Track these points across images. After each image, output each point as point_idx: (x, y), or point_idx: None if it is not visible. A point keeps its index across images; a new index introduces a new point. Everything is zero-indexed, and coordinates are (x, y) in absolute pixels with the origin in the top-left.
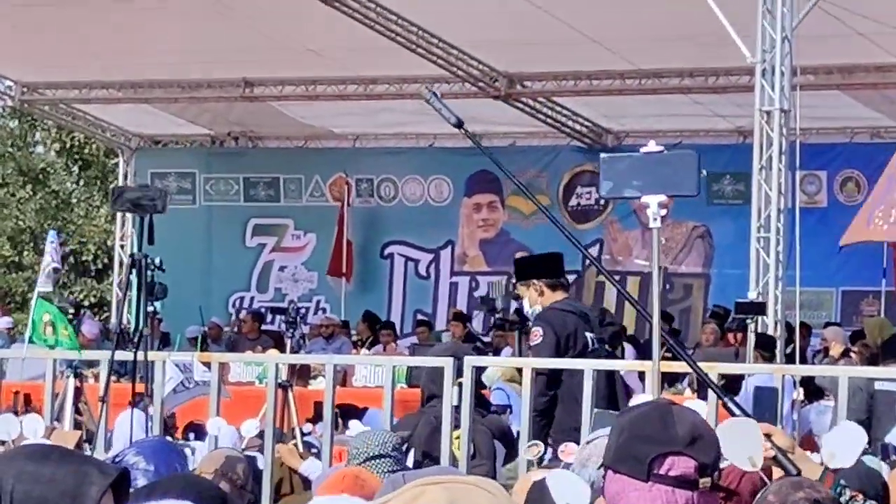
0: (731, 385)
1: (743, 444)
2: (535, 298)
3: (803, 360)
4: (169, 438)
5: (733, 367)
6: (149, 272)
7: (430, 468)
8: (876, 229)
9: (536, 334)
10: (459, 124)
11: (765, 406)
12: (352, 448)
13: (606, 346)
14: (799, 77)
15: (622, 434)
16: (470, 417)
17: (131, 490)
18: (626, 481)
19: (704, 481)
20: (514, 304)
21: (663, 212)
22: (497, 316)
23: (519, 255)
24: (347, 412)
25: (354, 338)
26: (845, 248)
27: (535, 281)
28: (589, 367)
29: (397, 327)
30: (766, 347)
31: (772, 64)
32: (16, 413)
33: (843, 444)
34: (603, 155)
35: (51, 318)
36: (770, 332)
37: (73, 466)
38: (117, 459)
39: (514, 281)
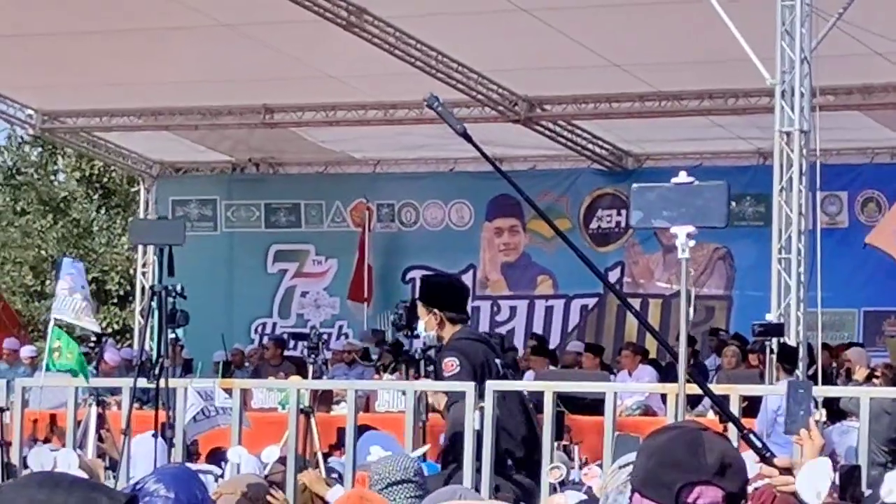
0: (754, 405)
1: (815, 483)
2: (432, 325)
3: (827, 381)
4: (190, 465)
5: (753, 388)
6: (170, 299)
7: (444, 489)
8: None
9: (451, 365)
10: (464, 132)
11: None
12: (373, 474)
13: (510, 371)
14: (818, 98)
15: (651, 459)
16: (492, 445)
17: None
18: None
19: None
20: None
21: (692, 243)
22: (385, 347)
23: (425, 274)
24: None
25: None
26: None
27: (436, 310)
28: (610, 390)
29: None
30: (787, 360)
31: (791, 85)
32: (34, 441)
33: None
34: (634, 186)
35: (60, 345)
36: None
37: (83, 493)
38: (138, 487)
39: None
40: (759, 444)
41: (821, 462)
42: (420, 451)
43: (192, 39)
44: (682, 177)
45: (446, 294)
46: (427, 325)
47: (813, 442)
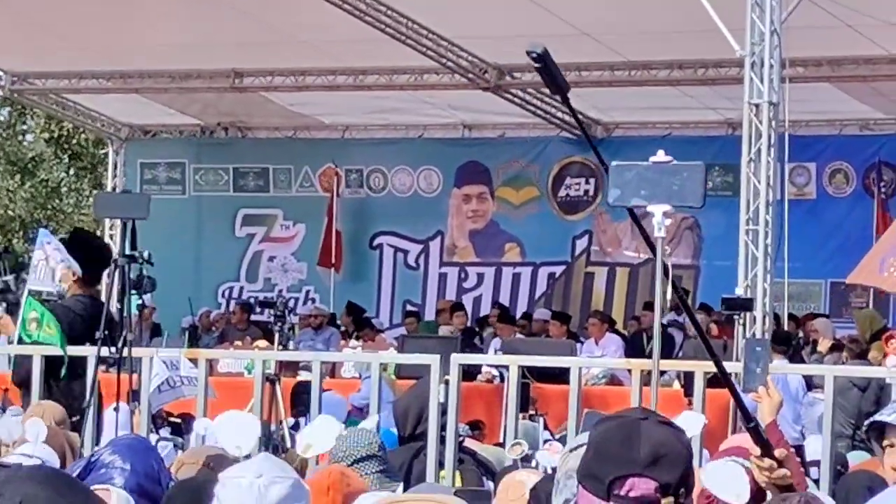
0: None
1: (728, 484)
2: (68, 279)
3: (794, 352)
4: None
5: (726, 365)
6: (136, 265)
7: (420, 486)
8: (891, 278)
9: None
10: (565, 95)
11: None
12: (336, 450)
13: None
14: (788, 69)
15: (590, 451)
16: (456, 418)
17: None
18: (591, 498)
19: (667, 501)
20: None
21: (668, 221)
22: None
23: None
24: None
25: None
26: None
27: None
28: (575, 364)
29: (386, 317)
30: (781, 342)
31: (761, 56)
32: (2, 409)
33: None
34: (613, 164)
35: (37, 315)
36: (758, 323)
37: (83, 496)
38: (93, 459)
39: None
40: (764, 438)
41: (728, 465)
42: (372, 422)
43: (163, 3)
44: (660, 156)
45: (92, 253)
46: (64, 277)
47: (771, 398)
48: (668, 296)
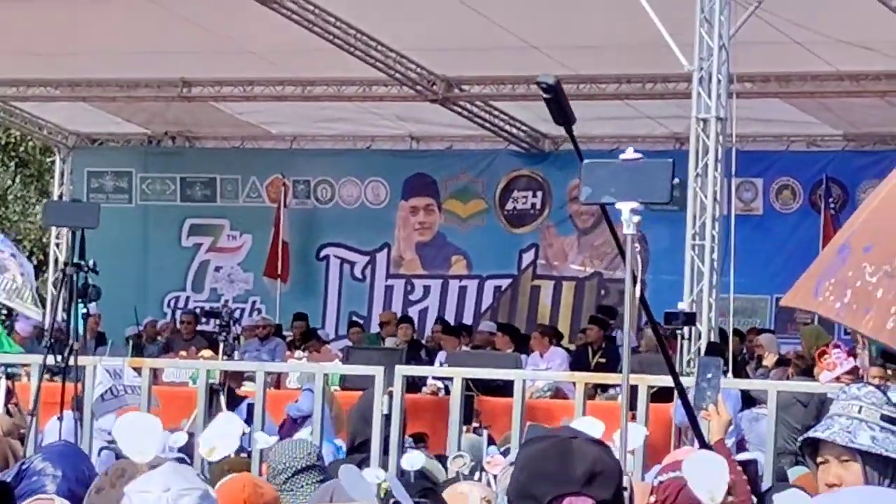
0: (664, 391)
1: (707, 479)
2: None
3: (738, 367)
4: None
5: (664, 379)
6: (82, 274)
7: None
8: (826, 303)
9: None
10: (569, 127)
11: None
12: (275, 462)
13: None
14: (736, 85)
15: (523, 471)
16: (400, 430)
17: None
18: None
19: None
20: None
21: (636, 218)
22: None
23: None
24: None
25: (289, 339)
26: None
27: None
28: (520, 377)
29: (332, 328)
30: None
31: (709, 71)
32: None
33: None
34: (585, 162)
35: None
36: (703, 338)
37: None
38: (24, 466)
39: None
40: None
41: (714, 459)
42: (307, 432)
43: (112, 11)
44: (630, 153)
45: None
46: None
47: (720, 417)
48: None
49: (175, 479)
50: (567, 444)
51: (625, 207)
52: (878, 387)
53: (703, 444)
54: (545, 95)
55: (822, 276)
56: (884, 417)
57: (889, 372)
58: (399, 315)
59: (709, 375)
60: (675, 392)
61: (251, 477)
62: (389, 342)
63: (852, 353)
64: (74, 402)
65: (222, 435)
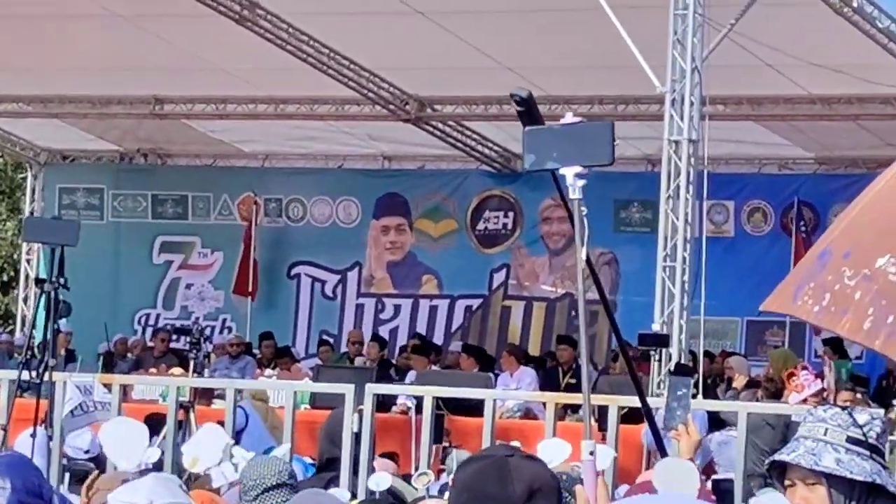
0: (634, 412)
1: (678, 486)
2: None
3: (708, 389)
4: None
5: (635, 400)
6: (53, 290)
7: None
8: (804, 307)
9: None
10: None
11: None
12: (246, 479)
13: None
14: (708, 107)
15: (462, 494)
16: (370, 448)
17: None
18: None
19: None
20: None
21: (581, 182)
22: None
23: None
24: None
25: (258, 358)
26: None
27: None
28: (490, 397)
29: (303, 347)
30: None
31: (681, 94)
32: None
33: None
34: (527, 128)
35: None
36: (674, 360)
37: None
38: None
39: None
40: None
41: (685, 466)
42: (284, 449)
43: (85, 28)
44: (569, 117)
45: None
46: None
47: (690, 437)
48: (583, 265)
49: (159, 491)
50: (504, 463)
51: (568, 172)
52: (843, 408)
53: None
54: (518, 108)
55: (803, 281)
56: (849, 439)
57: (858, 395)
58: (369, 334)
59: (678, 394)
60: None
61: (209, 495)
62: (358, 361)
63: (820, 376)
64: (48, 419)
65: (205, 447)
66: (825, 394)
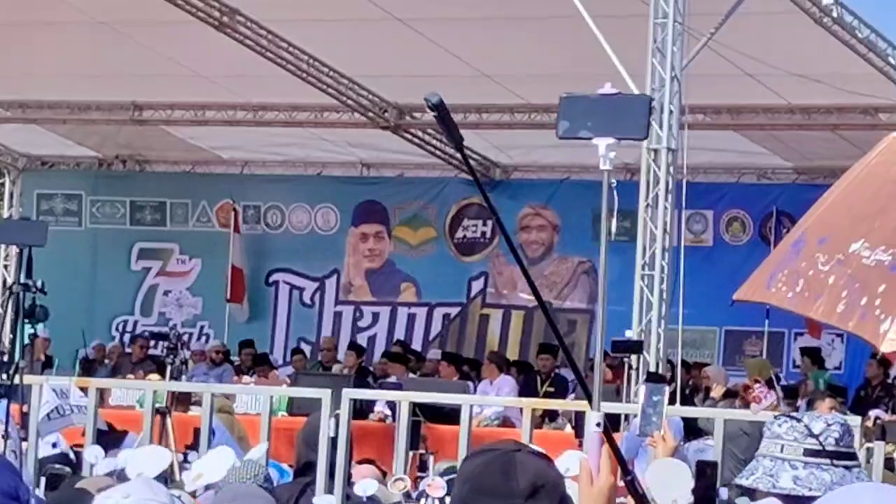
0: (611, 419)
1: (671, 485)
2: None
3: (685, 399)
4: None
5: (615, 406)
6: (30, 294)
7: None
8: (778, 293)
9: None
10: (460, 145)
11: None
12: (222, 482)
13: None
14: (688, 116)
15: (465, 485)
16: (346, 453)
17: None
18: None
19: None
20: None
21: (612, 154)
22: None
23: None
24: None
25: (237, 364)
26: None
27: None
28: (466, 402)
29: (280, 355)
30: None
31: (661, 102)
32: None
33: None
34: (562, 94)
35: None
36: (651, 369)
37: None
38: None
39: None
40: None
41: (679, 466)
42: (261, 451)
43: (64, 33)
44: (608, 88)
45: None
46: None
47: (666, 443)
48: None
49: (140, 489)
50: (510, 458)
51: (601, 143)
52: (790, 416)
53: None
54: (433, 114)
55: (776, 269)
56: (806, 451)
57: (839, 401)
58: (345, 341)
59: (654, 400)
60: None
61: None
62: (336, 369)
63: (771, 387)
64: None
65: (212, 464)
66: (772, 404)
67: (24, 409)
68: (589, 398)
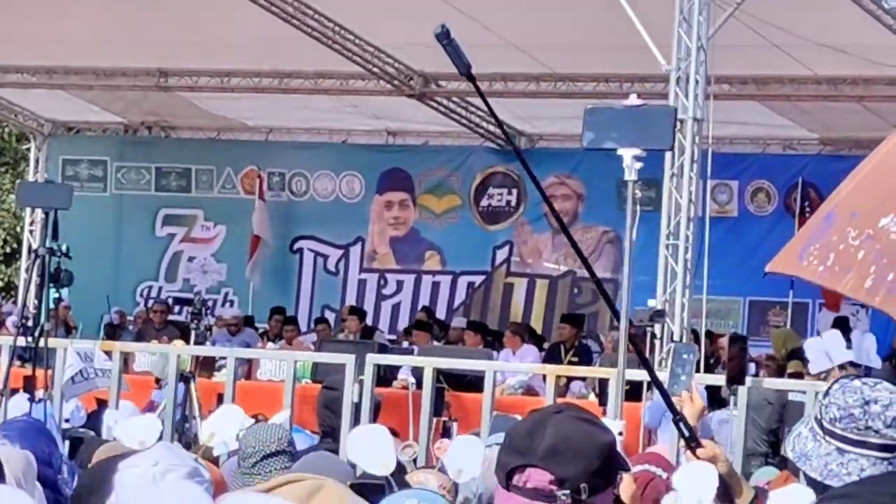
0: (635, 389)
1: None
2: None
3: (709, 368)
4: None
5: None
6: (55, 259)
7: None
8: (810, 267)
9: None
10: (469, 73)
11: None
12: (245, 445)
13: None
14: (713, 86)
15: (503, 441)
16: (371, 420)
17: None
18: (499, 489)
19: (563, 494)
20: None
21: (638, 165)
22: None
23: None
24: None
25: (262, 331)
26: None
27: None
28: (490, 369)
29: (304, 322)
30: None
31: (686, 72)
32: None
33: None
34: (587, 106)
35: None
36: (676, 338)
37: None
38: None
39: None
40: (686, 433)
41: (706, 468)
42: (284, 417)
43: (91, 0)
44: (633, 99)
45: None
46: None
47: (693, 404)
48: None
49: (165, 455)
50: (545, 418)
51: (626, 153)
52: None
53: (676, 416)
54: (441, 42)
55: (808, 241)
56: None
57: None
58: (370, 309)
59: (683, 359)
60: (644, 390)
61: (209, 465)
62: (341, 337)
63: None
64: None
65: (223, 423)
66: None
67: (49, 372)
68: (645, 362)
